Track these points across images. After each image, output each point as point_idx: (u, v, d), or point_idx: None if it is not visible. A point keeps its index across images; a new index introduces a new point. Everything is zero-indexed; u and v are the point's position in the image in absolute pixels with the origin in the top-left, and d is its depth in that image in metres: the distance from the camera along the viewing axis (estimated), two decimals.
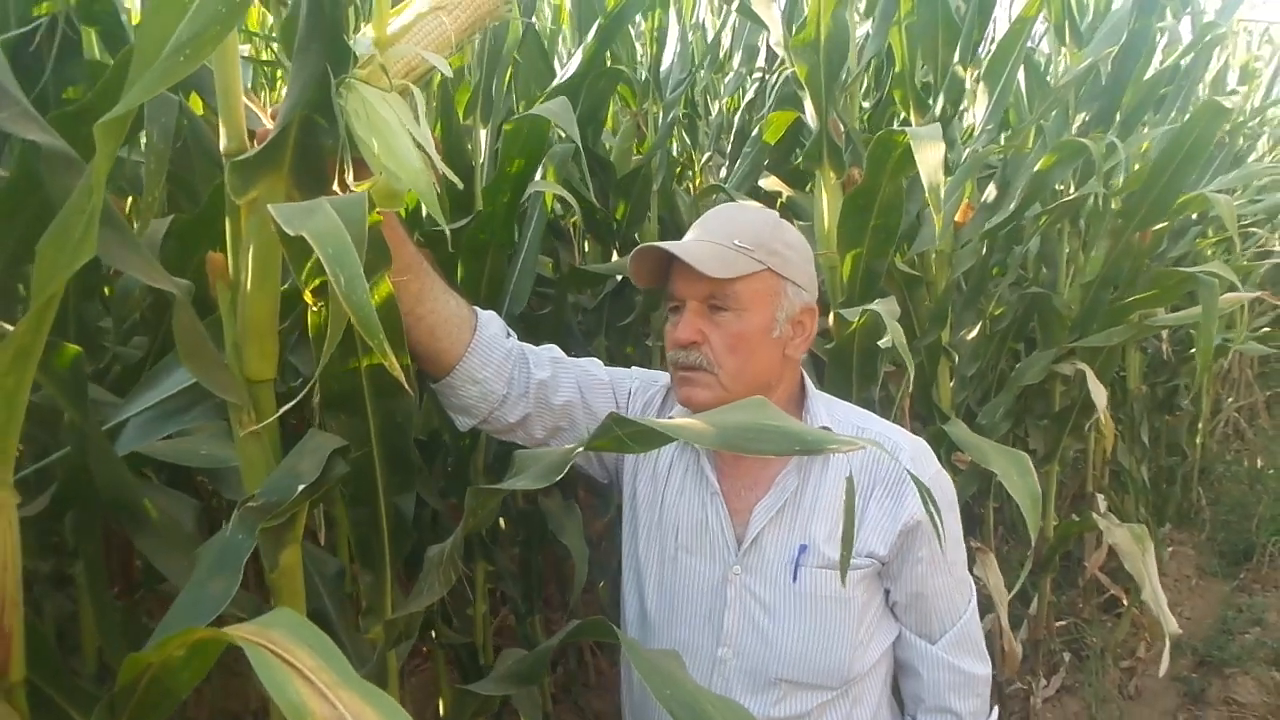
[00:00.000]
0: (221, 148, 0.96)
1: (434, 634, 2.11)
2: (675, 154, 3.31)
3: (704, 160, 3.37)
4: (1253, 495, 5.70)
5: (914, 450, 1.47)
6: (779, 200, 2.92)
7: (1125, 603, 3.86)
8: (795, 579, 1.41)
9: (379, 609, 1.34)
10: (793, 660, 1.41)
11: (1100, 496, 3.42)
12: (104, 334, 1.73)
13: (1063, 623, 4.00)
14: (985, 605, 2.83)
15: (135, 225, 1.82)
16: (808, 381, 1.53)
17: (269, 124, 1.00)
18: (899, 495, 1.43)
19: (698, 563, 1.46)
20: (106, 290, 1.77)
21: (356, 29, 1.02)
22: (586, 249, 2.84)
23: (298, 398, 0.91)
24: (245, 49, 2.87)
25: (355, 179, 0.94)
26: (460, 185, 1.03)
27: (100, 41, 1.90)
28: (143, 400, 1.17)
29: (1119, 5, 2.93)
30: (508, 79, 2.13)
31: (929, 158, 1.59)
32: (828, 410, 1.51)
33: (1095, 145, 2.20)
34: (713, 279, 1.35)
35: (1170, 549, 5.14)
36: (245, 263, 0.99)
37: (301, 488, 0.93)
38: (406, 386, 0.82)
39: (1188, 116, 2.70)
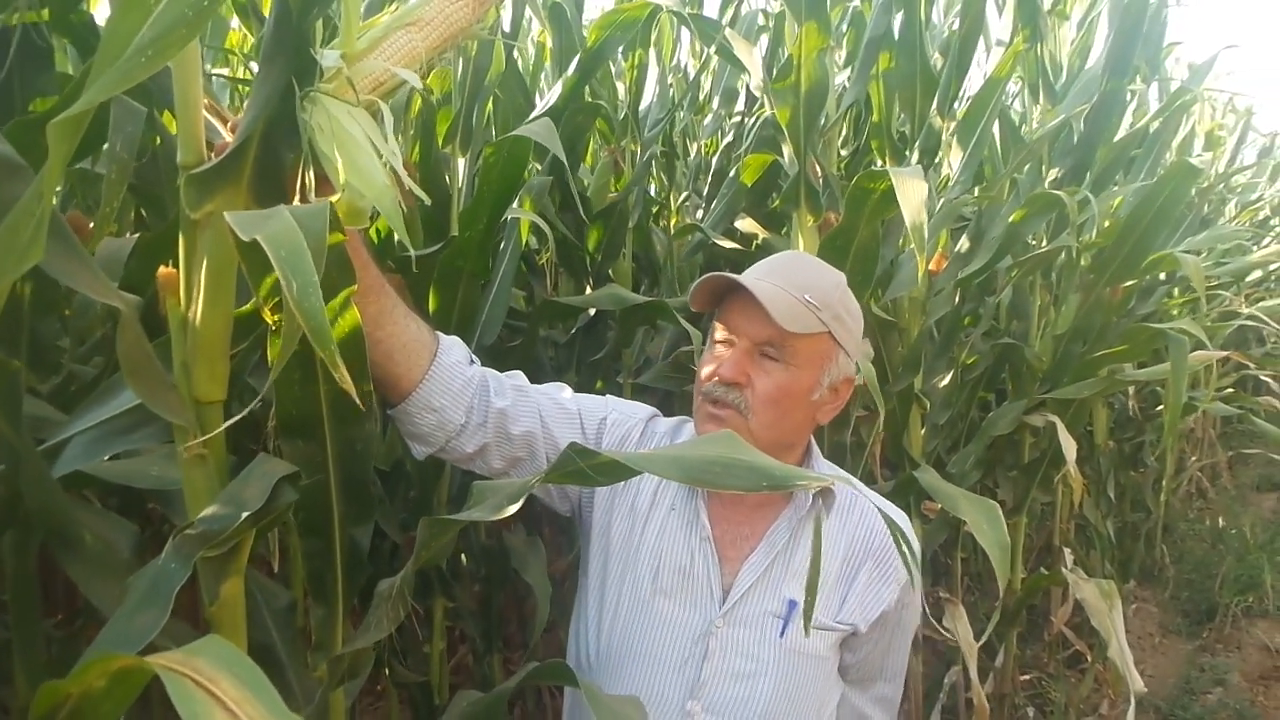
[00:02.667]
0: (178, 160, 0.92)
1: (388, 672, 2.05)
2: (652, 194, 3.32)
3: (681, 200, 3.37)
4: (1215, 555, 5.73)
5: (901, 520, 1.45)
6: (754, 242, 2.93)
7: (1089, 658, 3.85)
8: (783, 635, 1.37)
9: (329, 645, 1.29)
10: (768, 717, 1.37)
11: (1067, 551, 3.41)
12: (61, 351, 1.68)
13: (1027, 676, 3.98)
14: (953, 657, 2.81)
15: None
16: (813, 444, 1.52)
17: (229, 137, 0.97)
18: (885, 572, 1.42)
19: (676, 609, 1.40)
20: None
21: (325, 43, 0.99)
22: (559, 283, 2.82)
23: (240, 414, 0.87)
24: (225, 71, 2.85)
25: (317, 195, 0.90)
26: (428, 201, 1.01)
27: (76, 55, 1.88)
28: (89, 418, 1.12)
29: (1091, 64, 2.99)
30: (488, 111, 2.12)
31: (912, 197, 1.59)
32: (830, 471, 1.51)
33: (1069, 199, 2.22)
34: (775, 327, 1.32)
35: (1134, 605, 5.15)
36: (198, 279, 0.95)
37: (245, 516, 0.88)
38: (360, 405, 0.77)
39: (1155, 179, 2.75)
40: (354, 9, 1.01)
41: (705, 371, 1.40)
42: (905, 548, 0.97)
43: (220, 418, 0.99)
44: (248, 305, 1.13)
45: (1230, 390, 5.76)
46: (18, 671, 1.32)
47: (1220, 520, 6.44)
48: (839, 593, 1.42)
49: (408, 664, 2.30)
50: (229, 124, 0.99)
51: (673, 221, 3.28)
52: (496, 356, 2.24)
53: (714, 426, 1.36)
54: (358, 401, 0.77)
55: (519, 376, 1.47)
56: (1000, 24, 3.25)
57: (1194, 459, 6.88)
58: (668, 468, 0.93)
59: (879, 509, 1.17)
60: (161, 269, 0.99)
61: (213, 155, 0.95)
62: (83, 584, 0.97)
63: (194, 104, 0.93)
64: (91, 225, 1.73)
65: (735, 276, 1.36)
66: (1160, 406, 4.79)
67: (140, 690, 0.72)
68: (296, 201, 0.91)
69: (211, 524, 0.89)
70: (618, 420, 1.50)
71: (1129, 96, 3.73)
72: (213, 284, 0.96)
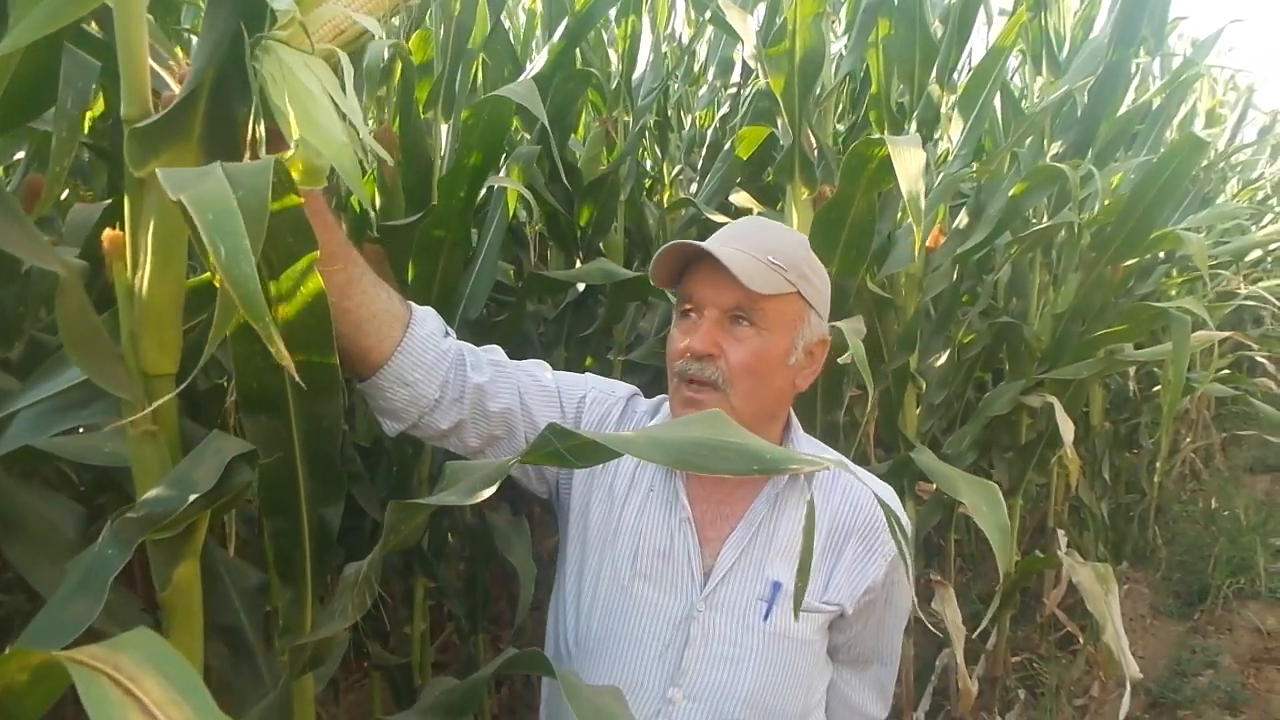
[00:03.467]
0: (122, 113, 0.85)
1: (367, 652, 2.00)
2: (646, 167, 3.25)
3: (675, 173, 3.30)
4: (1208, 536, 5.72)
5: (889, 496, 1.40)
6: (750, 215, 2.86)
7: (1081, 640, 3.82)
8: (767, 618, 1.33)
9: (297, 628, 1.23)
10: (753, 703, 1.33)
11: (1060, 532, 3.38)
12: (23, 318, 1.62)
13: (1018, 659, 3.96)
14: (943, 641, 2.77)
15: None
16: (794, 418, 1.47)
17: (176, 89, 0.90)
18: (871, 548, 1.38)
19: (656, 594, 1.35)
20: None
21: None
22: (550, 256, 2.75)
23: (181, 386, 0.80)
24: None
25: (269, 151, 0.83)
26: (390, 161, 0.94)
27: None
28: (38, 391, 1.06)
29: (1095, 35, 2.91)
30: (473, 76, 2.04)
31: (909, 166, 1.53)
32: (817, 450, 1.47)
33: (1072, 172, 2.16)
34: (743, 291, 1.27)
35: (1126, 587, 5.14)
36: (145, 243, 0.88)
37: (194, 498, 0.82)
38: (292, 371, 0.71)
39: (1160, 153, 2.69)
40: None
41: (676, 349, 1.35)
42: (895, 523, 0.91)
43: (171, 389, 0.93)
44: (205, 274, 1.06)
45: (1227, 371, 5.73)
46: None
47: (1213, 502, 6.42)
48: (824, 572, 1.38)
49: (391, 644, 2.26)
50: (178, 74, 0.91)
51: (666, 195, 3.21)
52: (482, 331, 2.19)
53: (692, 409, 1.30)
54: (292, 371, 0.71)
55: (497, 352, 1.41)
56: None
57: (1188, 440, 6.85)
58: (651, 450, 0.87)
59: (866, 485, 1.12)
60: (107, 231, 0.92)
61: (160, 108, 0.88)
62: (23, 567, 0.91)
63: (138, 51, 0.85)
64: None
65: (696, 243, 1.31)
66: (1158, 387, 4.75)
67: (66, 685, 0.67)
68: (247, 158, 0.84)
69: (156, 506, 0.83)
70: (597, 399, 1.45)
71: (1133, 70, 3.66)
72: (161, 248, 0.90)
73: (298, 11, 0.82)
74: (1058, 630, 4.00)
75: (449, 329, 1.35)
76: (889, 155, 1.60)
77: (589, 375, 1.51)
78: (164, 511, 0.82)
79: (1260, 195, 7.62)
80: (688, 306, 1.35)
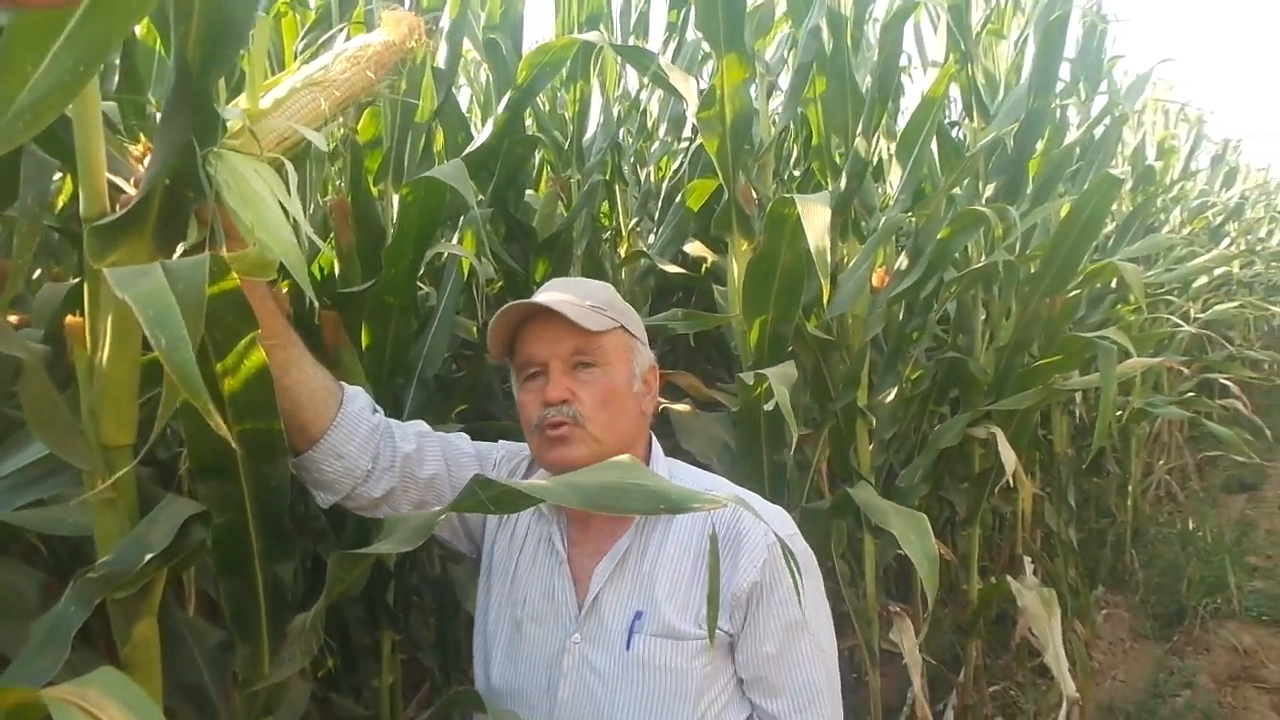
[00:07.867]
0: (81, 212, 0.95)
1: (335, 707, 2.05)
2: (603, 219, 3.36)
3: (632, 225, 3.42)
4: (1184, 557, 5.79)
5: (771, 512, 1.45)
6: (704, 266, 2.98)
7: None
8: (629, 647, 1.36)
9: (256, 682, 1.30)
10: None
11: (1028, 559, 3.45)
12: None
13: (997, 687, 4.00)
14: (907, 675, 2.83)
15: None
16: (655, 443, 1.56)
17: (132, 192, 1.00)
18: (735, 558, 1.38)
19: (541, 632, 1.43)
20: None
21: (231, 97, 1.03)
22: None
23: (138, 457, 0.89)
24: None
25: (229, 248, 0.94)
26: (331, 255, 1.04)
27: None
28: (2, 468, 1.14)
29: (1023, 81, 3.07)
30: (422, 146, 2.15)
31: (815, 223, 1.65)
32: (669, 471, 1.52)
33: (993, 215, 2.29)
34: (579, 334, 1.39)
35: (1104, 611, 5.20)
36: (104, 327, 0.98)
37: (150, 557, 0.90)
38: (231, 441, 0.80)
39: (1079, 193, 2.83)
40: (258, 69, 1.05)
41: (530, 411, 1.42)
42: (787, 551, 0.99)
43: (129, 460, 1.02)
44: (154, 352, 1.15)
45: (1191, 395, 5.86)
46: None
47: (1190, 523, 6.51)
48: (695, 597, 1.38)
49: (364, 699, 2.30)
50: (133, 179, 1.01)
51: (625, 247, 3.32)
52: (444, 388, 2.27)
53: (560, 450, 1.39)
54: (229, 439, 0.80)
55: (421, 424, 1.52)
56: (935, 44, 3.34)
57: (1161, 463, 6.97)
58: (567, 495, 0.96)
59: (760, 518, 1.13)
60: (68, 318, 1.02)
61: (119, 207, 0.98)
62: None
63: (95, 158, 0.96)
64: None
65: (529, 300, 1.43)
66: (1120, 414, 4.88)
67: None
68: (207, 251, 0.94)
69: (115, 566, 0.91)
70: (506, 457, 1.57)
71: (1071, 111, 3.83)
72: (119, 331, 0.99)
73: (248, 122, 0.92)
74: (1035, 658, 4.06)
75: (376, 406, 1.45)
76: None
77: (501, 441, 1.62)
78: (122, 570, 0.90)
79: (1216, 223, 7.85)
80: (532, 370, 1.43)
